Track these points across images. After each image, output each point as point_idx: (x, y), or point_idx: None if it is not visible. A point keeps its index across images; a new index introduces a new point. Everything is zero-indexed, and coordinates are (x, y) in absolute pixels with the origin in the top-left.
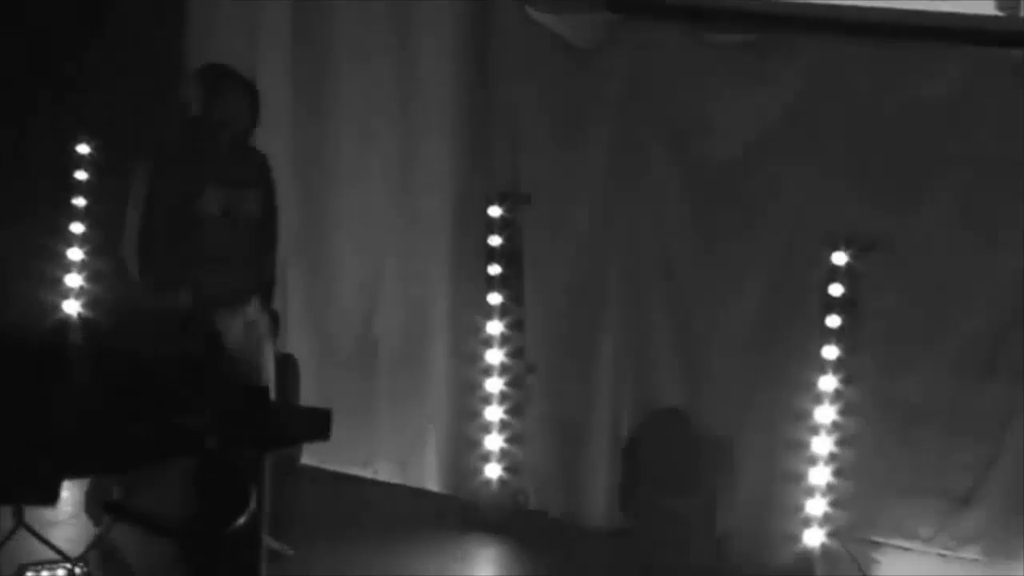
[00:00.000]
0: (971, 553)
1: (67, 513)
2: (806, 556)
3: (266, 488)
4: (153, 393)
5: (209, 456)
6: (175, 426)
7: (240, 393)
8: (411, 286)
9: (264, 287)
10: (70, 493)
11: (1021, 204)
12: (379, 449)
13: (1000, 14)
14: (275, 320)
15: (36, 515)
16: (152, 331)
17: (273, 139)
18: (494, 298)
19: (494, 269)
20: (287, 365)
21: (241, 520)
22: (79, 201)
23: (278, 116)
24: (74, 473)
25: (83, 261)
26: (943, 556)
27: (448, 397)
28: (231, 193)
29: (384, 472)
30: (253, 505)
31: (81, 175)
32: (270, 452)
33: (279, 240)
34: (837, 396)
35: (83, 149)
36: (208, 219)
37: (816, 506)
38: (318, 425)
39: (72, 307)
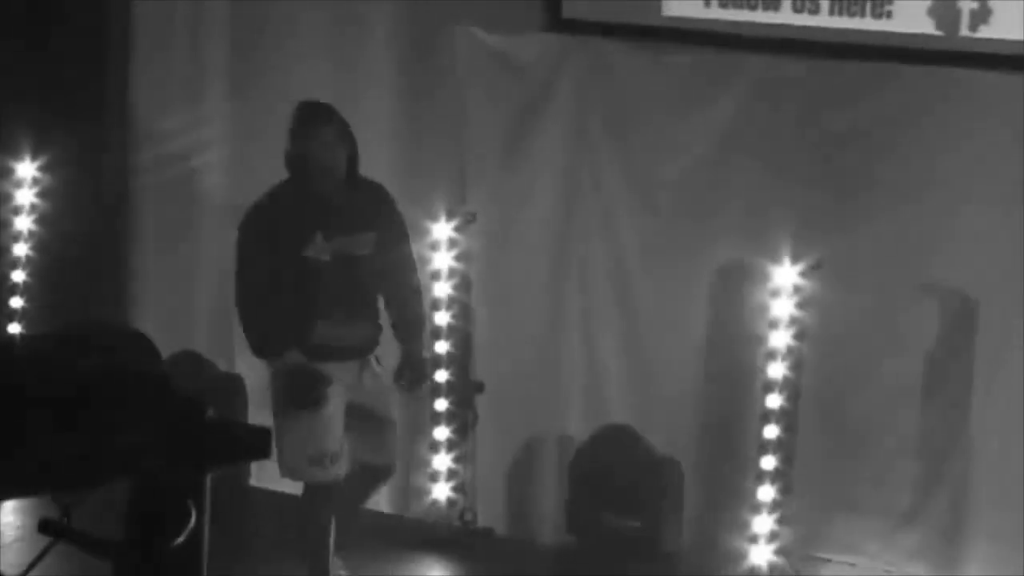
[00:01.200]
0: (916, 569)
1: (11, 536)
2: (753, 574)
3: (207, 506)
4: (88, 410)
5: (146, 474)
6: (111, 444)
7: (177, 410)
8: None
9: (406, 333)
10: (15, 516)
11: (957, 222)
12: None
13: (940, 33)
14: (418, 367)
15: None
16: (88, 349)
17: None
18: (441, 317)
19: (441, 288)
20: (234, 385)
21: (180, 539)
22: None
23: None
24: (3, 494)
25: (24, 283)
26: (888, 572)
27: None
28: (342, 238)
29: None
30: (192, 523)
31: (24, 195)
32: (211, 470)
33: (415, 277)
34: (783, 414)
35: (24, 167)
36: (317, 268)
37: (763, 523)
38: (258, 443)
39: (14, 328)
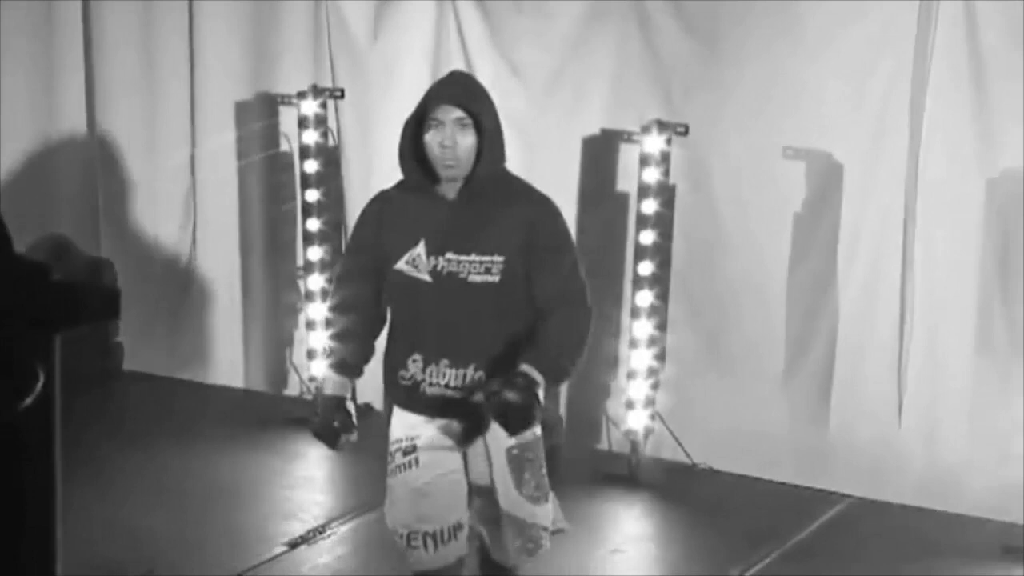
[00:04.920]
0: (785, 428)
1: None
2: (628, 438)
3: (57, 369)
4: None
5: None
6: None
7: (22, 273)
8: None
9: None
10: None
11: (822, 82)
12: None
13: None
14: (553, 427)
15: None
16: None
17: None
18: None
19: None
20: (101, 267)
21: (27, 401)
22: None
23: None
24: None
25: None
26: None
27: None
28: (452, 256)
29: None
30: (40, 386)
31: None
32: (59, 332)
33: (572, 329)
34: (655, 280)
35: None
36: (412, 286)
37: (638, 389)
38: (105, 304)
39: None
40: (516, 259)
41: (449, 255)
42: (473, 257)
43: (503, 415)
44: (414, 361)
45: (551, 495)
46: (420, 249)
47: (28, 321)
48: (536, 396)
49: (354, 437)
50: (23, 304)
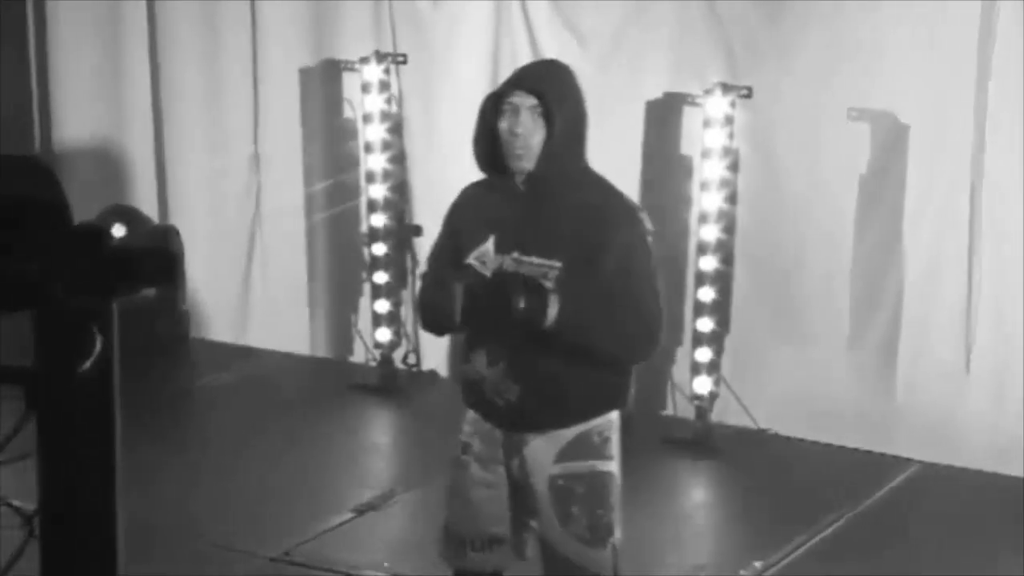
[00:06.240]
0: (853, 392)
1: None
2: (694, 398)
3: (115, 333)
4: None
5: (48, 303)
6: (7, 273)
7: (78, 237)
8: None
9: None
10: None
11: (887, 44)
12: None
13: None
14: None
15: None
16: None
17: None
18: (376, 160)
19: (375, 131)
20: (167, 234)
21: (86, 365)
22: None
23: None
24: None
25: None
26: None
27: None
28: (518, 255)
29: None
30: (98, 349)
31: None
32: (115, 297)
33: (631, 334)
34: (719, 246)
35: None
36: (477, 281)
37: (703, 354)
38: (163, 269)
39: None
40: (576, 269)
41: (515, 254)
42: (533, 259)
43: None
44: (478, 358)
45: (612, 545)
46: (490, 245)
47: (84, 286)
48: (520, 291)
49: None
50: (79, 269)
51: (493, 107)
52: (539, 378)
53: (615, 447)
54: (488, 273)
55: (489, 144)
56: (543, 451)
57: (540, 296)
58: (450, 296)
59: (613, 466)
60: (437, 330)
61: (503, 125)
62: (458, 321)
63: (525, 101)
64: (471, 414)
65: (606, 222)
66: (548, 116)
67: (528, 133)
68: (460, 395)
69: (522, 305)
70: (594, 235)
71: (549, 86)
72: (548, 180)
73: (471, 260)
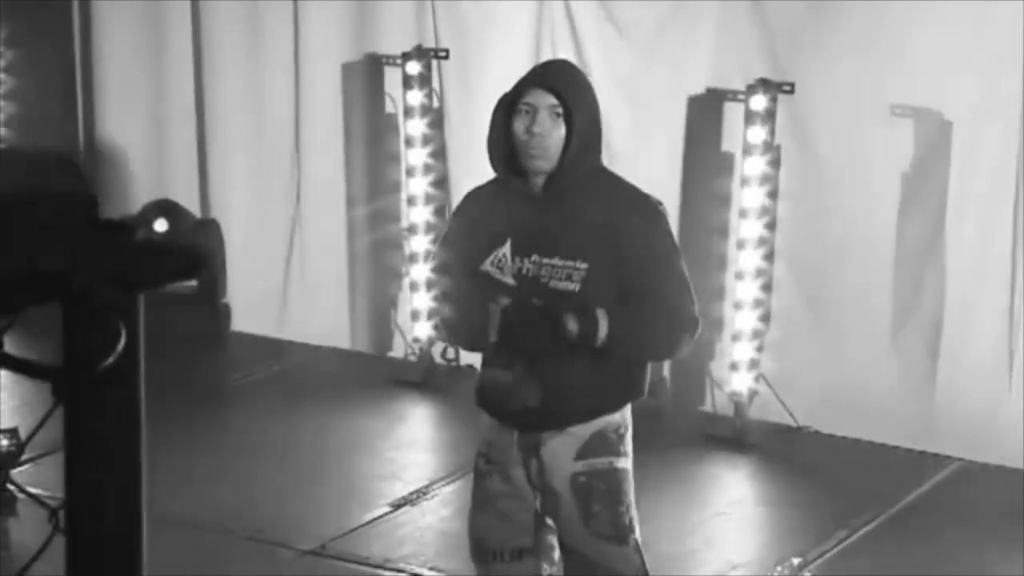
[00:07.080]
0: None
1: None
2: (733, 399)
3: (140, 328)
4: (11, 233)
5: (74, 297)
6: (35, 266)
7: (104, 231)
8: None
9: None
10: None
11: (929, 40)
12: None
13: None
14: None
15: None
16: (10, 171)
17: None
18: (416, 156)
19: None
20: (208, 228)
21: (110, 360)
22: None
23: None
24: None
25: None
26: None
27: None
28: (538, 258)
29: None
30: (122, 344)
31: None
32: (141, 291)
33: (670, 333)
34: (761, 242)
35: None
36: (488, 289)
37: (743, 351)
38: (190, 264)
39: None
40: (602, 268)
41: (535, 257)
42: (556, 261)
43: (524, 315)
44: (500, 363)
45: (635, 541)
46: (506, 249)
47: (110, 279)
48: (571, 314)
49: None
50: (105, 263)
51: (508, 107)
52: (564, 382)
53: (630, 444)
54: (507, 279)
55: (504, 145)
56: (561, 450)
57: (591, 317)
58: (485, 316)
59: (629, 463)
60: (467, 348)
61: (519, 125)
62: (494, 342)
63: (544, 100)
64: (485, 419)
65: (630, 220)
66: (567, 116)
67: (546, 133)
68: (474, 398)
69: (574, 328)
70: (619, 233)
71: (568, 85)
72: (569, 180)
73: (487, 267)
